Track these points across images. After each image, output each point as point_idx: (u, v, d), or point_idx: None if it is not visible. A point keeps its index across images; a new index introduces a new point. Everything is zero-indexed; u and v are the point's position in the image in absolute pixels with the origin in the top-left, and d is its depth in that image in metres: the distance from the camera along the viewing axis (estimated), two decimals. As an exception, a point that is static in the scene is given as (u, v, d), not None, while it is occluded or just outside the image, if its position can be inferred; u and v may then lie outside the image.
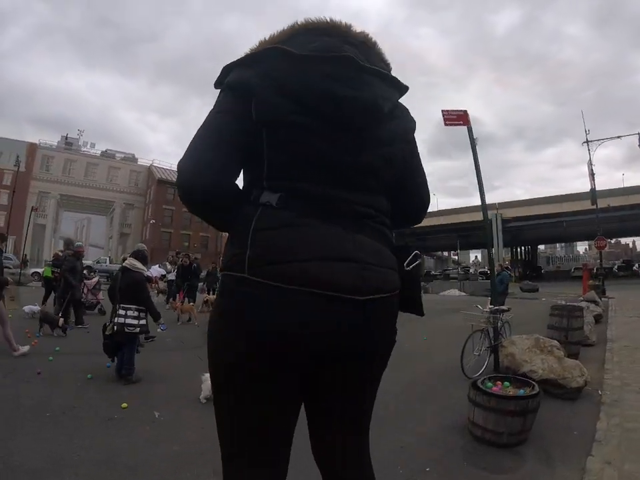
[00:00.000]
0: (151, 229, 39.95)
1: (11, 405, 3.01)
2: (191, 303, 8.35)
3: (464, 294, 21.25)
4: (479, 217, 9.67)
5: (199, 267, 9.96)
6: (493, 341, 4.30)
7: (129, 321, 3.92)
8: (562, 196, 34.06)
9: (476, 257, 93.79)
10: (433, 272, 49.22)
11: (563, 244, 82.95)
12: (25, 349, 4.53)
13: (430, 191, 1.04)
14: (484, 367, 4.28)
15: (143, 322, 4.04)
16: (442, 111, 4.52)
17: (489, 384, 2.89)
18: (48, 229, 43.05)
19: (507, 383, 2.98)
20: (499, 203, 34.35)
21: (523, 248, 45.75)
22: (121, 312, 3.98)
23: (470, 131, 4.62)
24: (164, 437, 2.57)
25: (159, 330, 4.52)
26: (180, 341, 5.69)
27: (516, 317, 5.12)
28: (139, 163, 46.76)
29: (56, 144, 45.03)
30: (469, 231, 35.04)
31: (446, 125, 4.51)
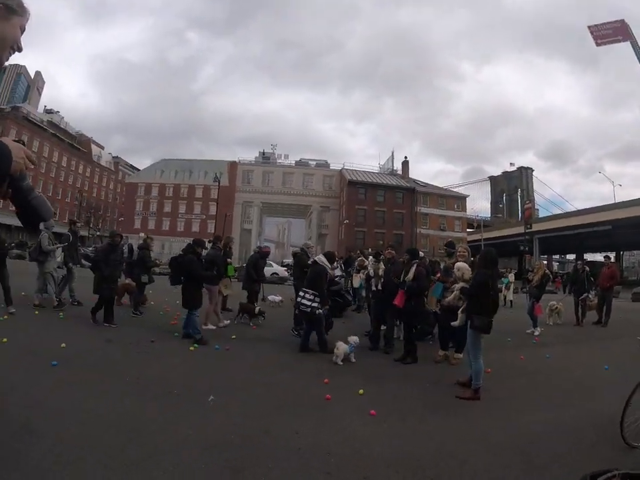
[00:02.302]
0: (345, 229, 53.38)
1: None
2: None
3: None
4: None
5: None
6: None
7: (304, 301, 6.64)
8: None
9: None
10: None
11: None
12: (226, 322, 8.58)
13: None
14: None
15: (315, 304, 6.53)
16: (589, 27, 6.54)
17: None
18: (253, 232, 62.56)
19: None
20: None
21: None
22: (300, 294, 6.83)
23: (635, 46, 6.51)
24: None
25: (317, 312, 6.80)
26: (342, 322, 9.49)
27: None
28: (331, 167, 63.02)
29: (254, 159, 65.86)
30: None
31: (598, 44, 6.71)
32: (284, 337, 8.00)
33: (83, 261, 11.23)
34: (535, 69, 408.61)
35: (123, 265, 9.39)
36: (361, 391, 4.59)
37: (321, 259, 7.19)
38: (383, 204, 55.52)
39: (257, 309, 9.09)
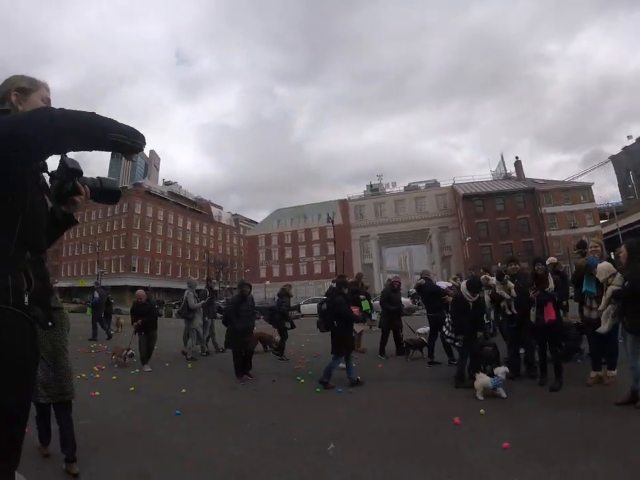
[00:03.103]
0: (469, 247, 55.47)
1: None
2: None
3: None
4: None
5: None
6: None
7: (446, 332, 7.65)
8: None
9: None
10: None
11: None
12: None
13: None
14: None
15: (453, 335, 7.23)
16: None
17: None
18: (375, 266, 66.43)
19: None
20: None
21: None
22: (446, 323, 7.66)
23: None
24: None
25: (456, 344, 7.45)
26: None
27: None
28: (441, 186, 66.47)
29: (363, 193, 71.88)
30: None
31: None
32: (413, 371, 8.29)
33: (218, 314, 12.83)
34: (621, 26, 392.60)
35: (256, 315, 9.85)
36: (506, 444, 4.01)
37: (462, 285, 7.35)
38: (504, 212, 55.85)
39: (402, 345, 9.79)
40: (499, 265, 30.26)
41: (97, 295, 16.32)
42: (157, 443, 4.54)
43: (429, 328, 9.62)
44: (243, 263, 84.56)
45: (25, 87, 1.71)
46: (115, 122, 1.43)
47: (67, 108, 1.39)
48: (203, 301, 11.44)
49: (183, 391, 7.14)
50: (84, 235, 73.72)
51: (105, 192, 1.80)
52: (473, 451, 4.00)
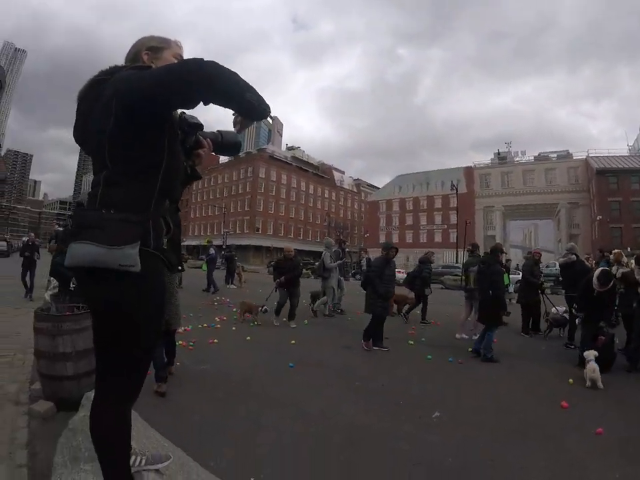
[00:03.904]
0: (599, 227, 53.38)
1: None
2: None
3: None
4: None
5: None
6: None
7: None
8: None
9: None
10: None
11: None
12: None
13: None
14: None
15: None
16: None
17: None
18: (497, 238, 63.03)
19: None
20: None
21: None
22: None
23: None
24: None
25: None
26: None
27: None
28: (574, 157, 64.38)
29: (489, 162, 71.27)
30: None
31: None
32: (531, 351, 8.42)
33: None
34: None
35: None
36: (600, 430, 4.22)
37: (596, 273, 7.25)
38: None
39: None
40: (629, 249, 30.06)
41: (212, 251, 18.97)
42: (269, 393, 5.02)
43: (565, 308, 9.74)
44: (363, 228, 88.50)
45: (156, 45, 1.90)
46: (251, 86, 1.62)
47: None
48: (339, 261, 12.45)
49: (293, 342, 7.98)
50: (211, 197, 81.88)
51: (225, 144, 2.10)
52: (577, 438, 4.14)
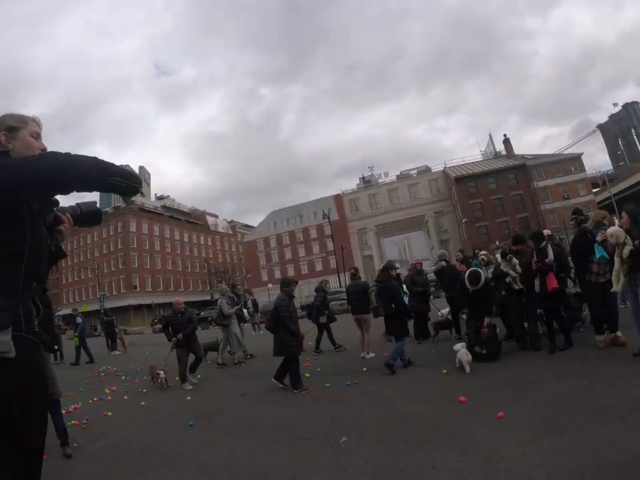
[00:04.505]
0: (466, 228, 57.72)
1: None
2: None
3: None
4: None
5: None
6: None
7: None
8: None
9: None
10: None
11: None
12: (372, 354, 9.29)
13: None
14: None
15: None
16: None
17: None
18: (375, 257, 68.07)
19: None
20: None
21: None
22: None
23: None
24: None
25: None
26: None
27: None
28: (433, 170, 69.22)
29: (356, 187, 74.04)
30: None
31: None
32: (423, 357, 8.61)
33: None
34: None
35: None
36: (501, 414, 4.49)
37: (466, 275, 7.97)
38: (497, 190, 58.43)
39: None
40: (497, 243, 31.89)
41: (79, 320, 17.05)
42: (172, 455, 4.83)
43: (448, 309, 10.58)
44: (244, 269, 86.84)
45: (14, 125, 1.89)
46: (114, 165, 1.70)
47: (72, 153, 1.63)
48: (237, 306, 12.24)
49: (188, 398, 7.80)
50: (82, 259, 76.53)
51: (86, 215, 2.05)
52: (482, 428, 4.26)
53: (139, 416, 7.08)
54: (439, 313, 10.79)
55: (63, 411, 6.59)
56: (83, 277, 76.96)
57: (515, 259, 8.21)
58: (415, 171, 73.35)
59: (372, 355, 9.31)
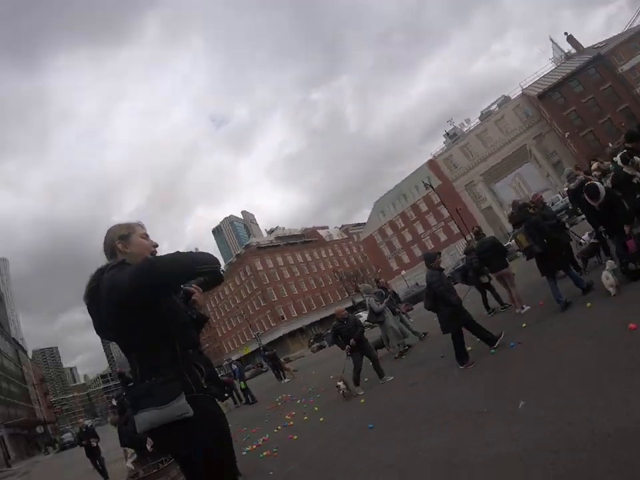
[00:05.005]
0: (572, 141, 53.56)
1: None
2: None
3: None
4: None
5: None
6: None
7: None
8: None
9: None
10: None
11: None
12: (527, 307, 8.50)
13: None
14: None
15: None
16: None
17: None
18: (494, 206, 65.93)
19: None
20: None
21: None
22: None
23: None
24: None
25: None
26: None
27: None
28: (513, 98, 64.87)
29: (444, 145, 71.76)
30: None
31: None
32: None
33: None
34: None
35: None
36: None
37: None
38: (585, 92, 53.19)
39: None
40: (610, 145, 29.09)
41: (234, 366, 19.32)
42: (357, 460, 4.99)
43: (588, 232, 9.72)
44: (373, 266, 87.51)
45: (124, 233, 2.22)
46: (195, 255, 2.01)
47: (160, 255, 2.09)
48: (385, 300, 11.73)
49: (362, 401, 7.93)
50: (227, 310, 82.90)
51: (209, 280, 2.34)
52: None
53: (321, 432, 7.27)
54: (581, 240, 9.79)
55: (254, 446, 7.83)
56: (234, 325, 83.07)
57: (637, 158, 7.13)
58: (495, 106, 68.97)
59: (527, 307, 8.65)
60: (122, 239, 2.21)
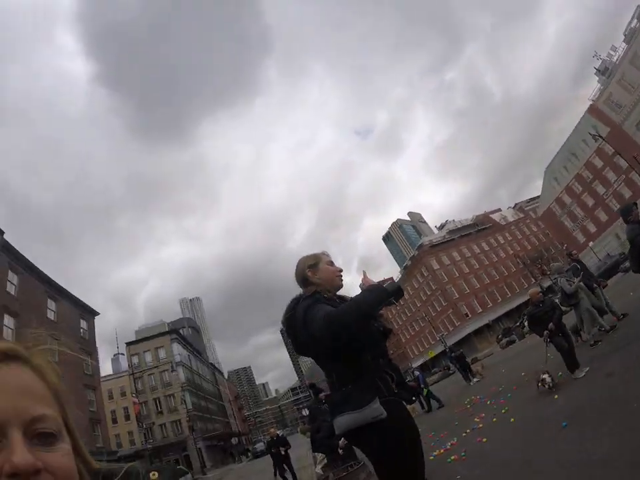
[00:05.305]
0: None
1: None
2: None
3: None
4: None
5: None
6: None
7: None
8: None
9: None
10: None
11: None
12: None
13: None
14: None
15: None
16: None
17: None
18: None
19: None
20: None
21: None
22: None
23: None
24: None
25: None
26: None
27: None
28: None
29: (599, 85, 60.31)
30: None
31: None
32: None
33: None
34: None
35: None
36: None
37: None
38: None
39: None
40: None
41: (416, 372, 19.49)
42: (548, 461, 4.65)
43: None
44: (557, 243, 79.95)
45: (312, 263, 2.55)
46: (368, 296, 2.29)
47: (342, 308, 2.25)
48: (578, 278, 10.20)
49: (555, 397, 7.20)
50: (408, 315, 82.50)
51: (394, 295, 2.37)
52: None
53: (511, 433, 6.85)
54: None
55: (442, 450, 7.66)
56: (417, 329, 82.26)
57: None
58: (635, 20, 54.12)
59: None
60: (311, 268, 2.56)
